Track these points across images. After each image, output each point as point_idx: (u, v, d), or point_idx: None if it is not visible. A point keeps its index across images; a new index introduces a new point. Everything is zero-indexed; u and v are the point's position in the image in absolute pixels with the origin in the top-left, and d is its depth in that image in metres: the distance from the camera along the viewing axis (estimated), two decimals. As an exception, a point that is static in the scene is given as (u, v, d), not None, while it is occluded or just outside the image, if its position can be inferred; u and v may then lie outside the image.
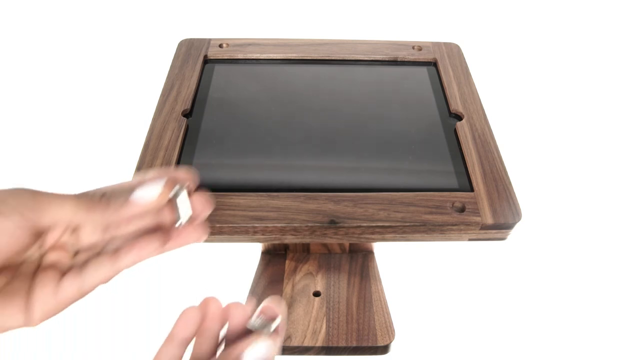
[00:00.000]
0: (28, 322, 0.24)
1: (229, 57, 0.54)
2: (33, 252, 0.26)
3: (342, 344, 0.50)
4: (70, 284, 0.26)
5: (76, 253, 0.27)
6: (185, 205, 0.27)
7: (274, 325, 0.27)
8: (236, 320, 0.28)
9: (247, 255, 0.58)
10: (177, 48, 0.54)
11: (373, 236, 0.37)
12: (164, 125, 0.43)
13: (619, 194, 0.69)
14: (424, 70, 0.53)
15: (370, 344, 0.50)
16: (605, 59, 0.93)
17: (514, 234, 0.38)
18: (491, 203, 0.38)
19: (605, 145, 0.76)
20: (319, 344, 0.50)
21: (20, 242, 0.24)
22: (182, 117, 0.44)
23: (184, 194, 0.27)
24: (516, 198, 0.38)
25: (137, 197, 0.26)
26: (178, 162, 0.41)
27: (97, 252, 0.27)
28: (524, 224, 0.37)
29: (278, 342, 0.26)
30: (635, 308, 0.56)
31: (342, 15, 1.02)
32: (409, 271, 0.60)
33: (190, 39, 0.55)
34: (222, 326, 0.28)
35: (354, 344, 0.50)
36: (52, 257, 0.26)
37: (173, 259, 0.59)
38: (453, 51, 0.55)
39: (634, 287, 0.58)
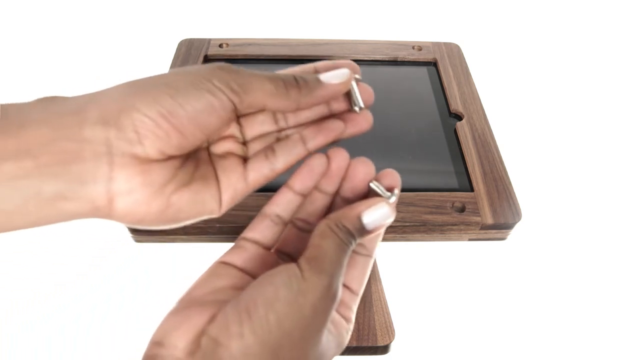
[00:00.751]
0: (220, 208, 0.24)
1: (229, 57, 0.54)
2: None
3: (342, 344, 0.50)
4: (260, 167, 0.25)
5: (244, 144, 0.26)
6: (357, 93, 0.27)
7: (394, 196, 0.26)
8: (360, 177, 0.27)
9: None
10: (177, 48, 0.54)
11: (373, 236, 0.37)
12: (164, 125, 0.43)
13: (618, 193, 0.69)
14: (424, 70, 0.53)
15: (370, 344, 0.50)
16: (605, 59, 0.93)
17: (514, 234, 0.38)
18: (491, 203, 0.38)
19: (605, 145, 0.76)
20: (319, 344, 0.49)
21: (222, 121, 0.23)
22: (182, 117, 0.44)
23: (355, 84, 0.27)
24: (516, 198, 0.38)
25: (331, 80, 0.25)
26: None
27: (275, 140, 0.27)
28: (524, 224, 0.37)
29: (394, 216, 0.25)
30: (635, 308, 0.56)
31: (342, 15, 1.02)
32: (409, 271, 0.60)
33: (190, 39, 0.55)
34: (339, 182, 0.27)
35: (354, 344, 0.50)
36: (225, 146, 0.25)
37: (173, 259, 0.59)
38: (453, 51, 0.55)
39: (634, 287, 0.58)
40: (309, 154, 0.27)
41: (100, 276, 0.58)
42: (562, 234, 0.63)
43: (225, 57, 0.54)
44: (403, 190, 0.39)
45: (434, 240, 0.38)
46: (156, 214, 0.22)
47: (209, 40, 0.55)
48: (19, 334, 0.53)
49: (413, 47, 0.55)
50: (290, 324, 0.20)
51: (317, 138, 0.27)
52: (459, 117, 0.47)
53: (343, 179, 0.27)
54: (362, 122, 0.28)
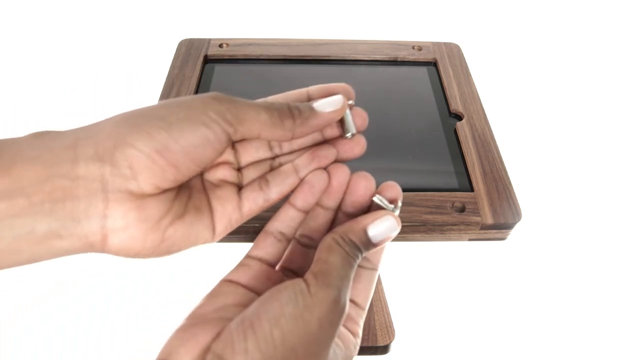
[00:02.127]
0: (214, 237, 0.24)
1: (229, 57, 0.54)
2: None
3: (342, 344, 0.50)
4: (255, 197, 0.25)
5: (239, 170, 0.26)
6: (351, 120, 0.27)
7: (397, 208, 0.26)
8: (361, 192, 0.27)
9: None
10: (177, 48, 0.54)
11: (373, 236, 0.37)
12: (164, 125, 0.43)
13: (618, 193, 0.69)
14: (424, 70, 0.53)
15: (370, 344, 0.50)
16: (605, 59, 0.93)
17: (514, 234, 0.38)
18: (491, 203, 0.38)
19: (605, 145, 0.76)
20: (319, 344, 0.49)
21: (216, 152, 0.23)
22: (182, 117, 0.44)
23: (349, 110, 0.27)
24: (516, 198, 0.38)
25: (325, 108, 0.25)
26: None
27: (268, 168, 0.27)
28: (524, 224, 0.37)
29: (399, 227, 0.25)
30: (635, 308, 0.56)
31: (342, 15, 1.02)
32: (409, 271, 0.60)
33: (190, 39, 0.55)
34: (341, 198, 0.27)
35: (354, 344, 0.50)
36: (219, 173, 0.25)
37: (173, 259, 0.59)
38: (453, 51, 0.55)
39: (634, 287, 0.58)
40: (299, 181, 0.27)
41: (100, 276, 0.58)
42: (562, 234, 0.63)
43: (225, 57, 0.54)
44: (403, 190, 0.39)
45: (434, 240, 0.38)
46: (151, 248, 0.22)
47: (209, 40, 0.55)
48: (19, 334, 0.53)
49: (413, 47, 0.55)
50: (295, 339, 0.20)
51: (310, 166, 0.27)
52: (459, 117, 0.47)
53: (345, 194, 0.27)
54: (355, 148, 0.28)
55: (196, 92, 0.48)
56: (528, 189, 0.64)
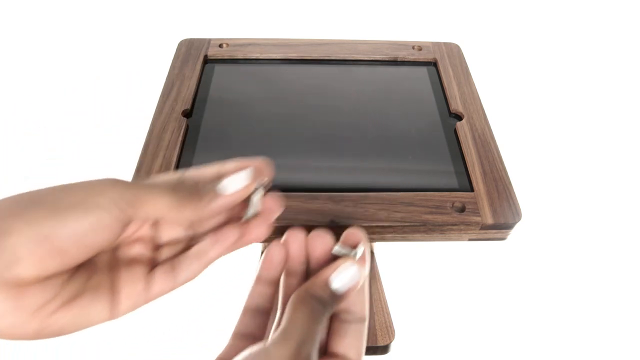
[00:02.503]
0: (113, 317, 0.24)
1: (229, 57, 0.54)
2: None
3: (342, 344, 0.50)
4: (164, 280, 0.25)
5: (157, 247, 0.26)
6: (257, 200, 0.26)
7: (359, 252, 0.26)
8: (319, 250, 0.27)
9: (247, 255, 0.58)
10: (177, 48, 0.54)
11: (373, 236, 0.37)
12: (164, 126, 0.43)
13: (619, 193, 0.69)
14: (424, 70, 0.53)
15: (370, 344, 0.50)
16: (605, 59, 0.93)
17: (514, 234, 0.38)
18: (491, 203, 0.38)
19: (605, 145, 0.76)
20: (319, 344, 0.49)
21: (113, 236, 0.22)
22: (182, 117, 0.44)
23: (261, 189, 0.26)
24: (516, 198, 0.38)
25: (226, 189, 0.24)
26: (178, 162, 0.41)
27: (184, 247, 0.27)
28: (524, 224, 0.37)
29: (365, 270, 0.25)
30: (635, 308, 0.56)
31: (342, 15, 1.02)
32: (409, 271, 0.60)
33: (190, 39, 0.55)
34: (306, 259, 0.28)
35: (354, 344, 0.50)
36: (134, 250, 0.25)
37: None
38: (453, 51, 0.55)
39: (634, 287, 0.58)
40: (207, 266, 0.26)
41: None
42: (562, 234, 0.63)
43: (225, 57, 0.54)
44: (403, 190, 0.39)
45: (434, 240, 0.38)
46: (34, 334, 0.21)
47: (209, 40, 0.55)
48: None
49: (413, 47, 0.55)
50: None
51: (214, 249, 0.26)
52: (459, 117, 0.47)
53: (307, 256, 0.28)
54: (255, 231, 0.27)
55: (196, 91, 0.49)
56: (528, 189, 0.64)
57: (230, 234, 0.26)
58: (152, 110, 0.45)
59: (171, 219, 0.24)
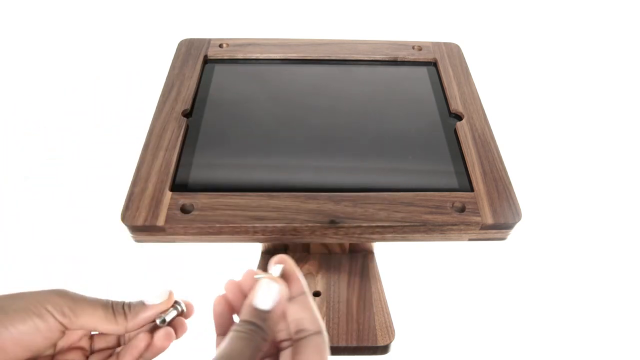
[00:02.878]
0: None
1: (229, 57, 0.54)
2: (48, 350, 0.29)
3: (342, 343, 0.50)
4: None
5: (88, 355, 0.30)
6: (172, 311, 0.30)
7: (275, 271, 0.28)
8: (251, 284, 0.29)
9: (247, 255, 0.58)
10: (177, 48, 0.54)
11: (373, 236, 0.37)
12: (164, 125, 0.43)
13: (618, 193, 0.69)
14: (424, 70, 0.53)
15: (370, 344, 0.50)
16: (605, 59, 0.93)
17: (514, 234, 0.38)
18: (491, 203, 0.38)
19: (605, 145, 0.76)
20: (319, 344, 0.49)
21: (49, 341, 0.26)
22: (182, 117, 0.44)
23: (173, 313, 0.30)
24: (516, 198, 0.38)
25: (151, 300, 0.29)
26: (178, 162, 0.41)
27: (109, 354, 0.30)
28: (524, 224, 0.37)
29: (284, 286, 0.27)
30: (635, 308, 0.56)
31: (342, 15, 1.02)
32: (409, 271, 0.60)
33: (190, 39, 0.55)
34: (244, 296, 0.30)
35: (354, 343, 0.50)
36: (70, 357, 0.29)
37: (173, 259, 0.59)
38: (453, 51, 0.55)
39: (634, 287, 0.58)
40: None
41: (100, 276, 0.58)
42: (562, 234, 0.63)
43: (225, 57, 0.54)
44: (403, 190, 0.39)
45: (434, 240, 0.38)
46: None
47: (209, 40, 0.55)
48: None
49: (413, 47, 0.55)
50: None
51: (127, 355, 0.29)
52: (459, 117, 0.47)
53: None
54: (161, 339, 0.29)
55: (196, 91, 0.49)
56: (528, 189, 0.64)
57: (137, 342, 0.30)
58: (152, 110, 0.45)
59: (104, 329, 0.28)
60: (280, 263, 0.29)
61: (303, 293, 0.28)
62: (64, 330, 0.27)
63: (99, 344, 0.30)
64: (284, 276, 0.28)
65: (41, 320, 0.25)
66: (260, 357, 0.25)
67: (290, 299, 0.28)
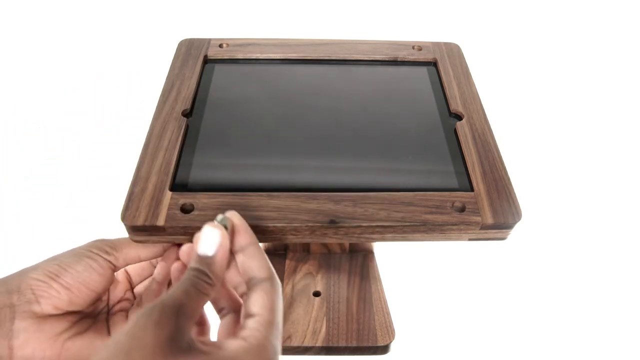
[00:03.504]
0: None
1: (229, 57, 0.54)
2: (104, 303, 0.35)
3: (342, 343, 0.50)
4: (132, 315, 0.35)
5: (132, 303, 0.36)
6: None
7: (217, 218, 0.30)
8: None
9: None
10: (177, 48, 0.54)
11: (373, 236, 0.37)
12: (164, 125, 0.43)
13: (619, 193, 0.69)
14: (424, 70, 0.53)
15: (370, 344, 0.50)
16: (605, 59, 0.93)
17: (514, 233, 0.38)
18: (491, 203, 0.38)
19: (605, 145, 0.76)
20: (319, 343, 0.50)
21: (105, 280, 0.31)
22: (182, 117, 0.44)
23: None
24: (516, 198, 0.38)
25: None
26: (178, 162, 0.41)
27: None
28: (524, 224, 0.37)
29: (225, 232, 0.29)
30: (636, 308, 0.56)
31: (342, 15, 1.02)
32: (409, 271, 0.60)
33: (190, 39, 0.55)
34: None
35: (354, 343, 0.50)
36: (120, 306, 0.35)
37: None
38: (453, 51, 0.55)
39: (634, 287, 0.58)
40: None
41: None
42: (562, 234, 0.63)
43: (225, 57, 0.54)
44: (403, 190, 0.39)
45: (434, 240, 0.38)
46: (51, 357, 0.28)
47: (209, 40, 0.55)
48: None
49: (413, 47, 0.55)
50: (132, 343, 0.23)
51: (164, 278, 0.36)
52: (459, 117, 0.47)
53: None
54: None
55: (196, 91, 0.49)
56: (528, 189, 0.64)
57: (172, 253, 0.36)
58: (152, 110, 0.45)
59: (145, 256, 0.34)
60: (229, 217, 0.31)
61: (252, 244, 0.30)
62: (113, 268, 0.32)
63: (138, 288, 0.37)
64: (234, 229, 0.30)
65: (92, 260, 0.30)
66: (206, 300, 0.28)
67: (240, 250, 0.30)
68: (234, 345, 0.25)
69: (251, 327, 0.26)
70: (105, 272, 0.31)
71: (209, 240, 0.29)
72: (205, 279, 0.27)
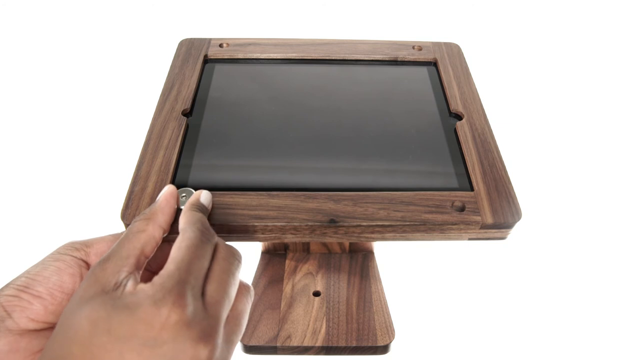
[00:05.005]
0: None
1: (229, 57, 0.54)
2: None
3: (342, 343, 0.50)
4: None
5: None
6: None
7: (204, 192, 0.35)
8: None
9: (247, 255, 0.58)
10: (177, 48, 0.54)
11: (373, 235, 0.37)
12: (164, 125, 0.43)
13: (619, 193, 0.69)
14: (424, 70, 0.53)
15: (370, 344, 0.50)
16: (605, 59, 0.93)
17: (514, 233, 0.38)
18: (491, 202, 0.38)
19: (605, 144, 0.76)
20: (318, 343, 0.50)
21: (73, 277, 0.29)
22: (182, 117, 0.44)
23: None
24: (516, 197, 0.38)
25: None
26: (178, 162, 0.41)
27: None
28: (524, 223, 0.37)
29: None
30: (636, 308, 0.56)
31: (342, 15, 1.02)
32: (409, 271, 0.60)
33: (191, 38, 0.55)
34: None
35: (354, 343, 0.50)
36: None
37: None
38: (453, 51, 0.55)
39: (634, 287, 0.58)
40: None
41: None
42: (562, 234, 0.63)
43: (225, 57, 0.54)
44: (403, 189, 0.39)
45: (434, 239, 0.38)
46: None
47: (209, 40, 0.55)
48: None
49: (413, 47, 0.55)
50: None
51: None
52: (459, 117, 0.47)
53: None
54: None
55: (196, 91, 0.49)
56: (528, 189, 0.64)
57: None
58: (153, 110, 0.45)
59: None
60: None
61: (195, 206, 0.33)
62: (84, 265, 0.30)
63: None
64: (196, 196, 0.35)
65: (59, 262, 0.29)
66: (144, 238, 0.29)
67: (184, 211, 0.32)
68: (138, 295, 0.25)
69: (153, 280, 0.26)
70: (75, 271, 0.29)
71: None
72: (140, 218, 0.30)
